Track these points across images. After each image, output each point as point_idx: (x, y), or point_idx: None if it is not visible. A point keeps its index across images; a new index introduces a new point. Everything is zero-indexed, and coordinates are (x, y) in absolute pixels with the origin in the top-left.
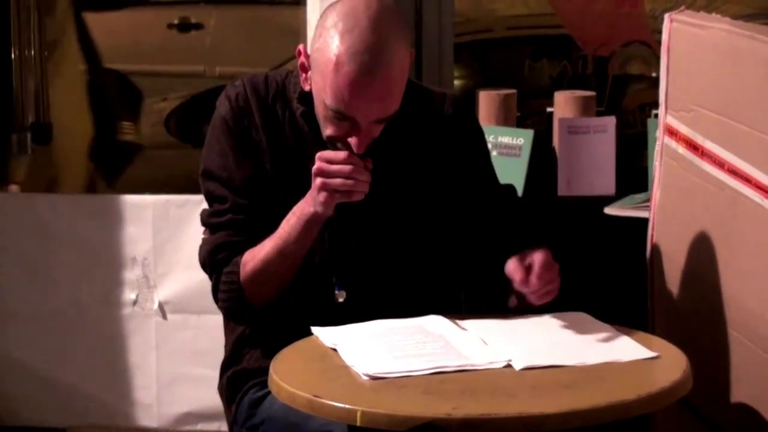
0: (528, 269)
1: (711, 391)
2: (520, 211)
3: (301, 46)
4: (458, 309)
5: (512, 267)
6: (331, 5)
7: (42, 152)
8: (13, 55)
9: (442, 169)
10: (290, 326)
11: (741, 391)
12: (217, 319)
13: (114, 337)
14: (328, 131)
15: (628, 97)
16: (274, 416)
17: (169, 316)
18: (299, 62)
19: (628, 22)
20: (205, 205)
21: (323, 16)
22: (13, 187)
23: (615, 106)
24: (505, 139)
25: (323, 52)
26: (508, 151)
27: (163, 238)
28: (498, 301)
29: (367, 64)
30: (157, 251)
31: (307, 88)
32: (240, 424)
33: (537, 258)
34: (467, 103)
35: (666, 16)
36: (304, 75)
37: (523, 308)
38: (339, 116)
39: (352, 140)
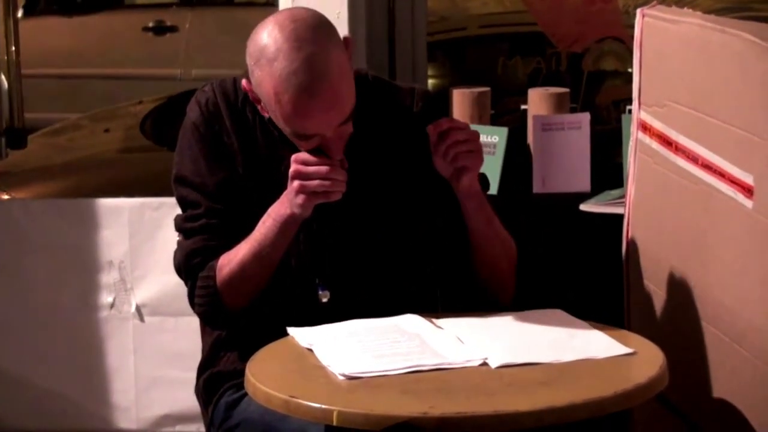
0: None
1: (688, 387)
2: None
3: (244, 82)
4: (435, 304)
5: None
6: (250, 38)
7: None
8: None
9: (415, 165)
10: (270, 329)
11: (718, 386)
12: (194, 321)
13: (91, 340)
14: (302, 149)
15: (602, 93)
16: (250, 418)
17: (146, 318)
18: (251, 96)
19: (601, 19)
20: (179, 210)
21: (247, 51)
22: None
23: (589, 102)
24: (480, 137)
25: (261, 87)
26: (483, 149)
27: (139, 241)
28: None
29: (304, 84)
30: (133, 254)
31: (266, 116)
32: (217, 427)
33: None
34: (436, 98)
35: (638, 12)
36: (259, 106)
37: (493, 290)
38: (302, 137)
39: (329, 152)
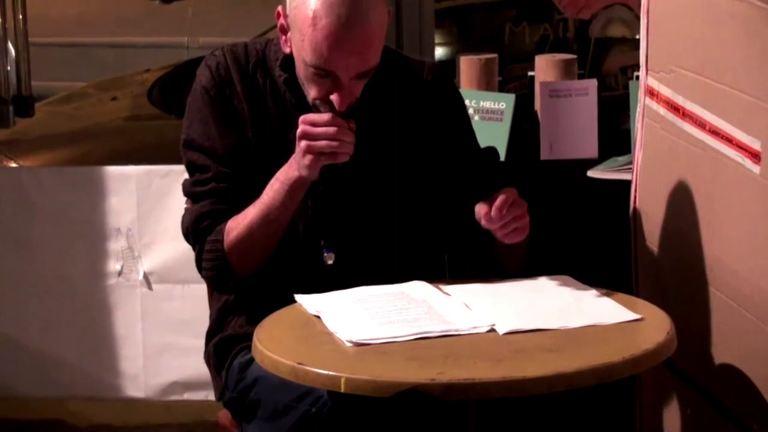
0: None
1: (695, 352)
2: (502, 174)
3: (279, 8)
4: (443, 270)
5: (478, 207)
6: None
7: None
8: None
9: (424, 134)
10: (276, 292)
11: (725, 352)
12: (202, 289)
13: (99, 308)
14: (312, 93)
15: (609, 59)
16: (265, 375)
17: (154, 286)
18: (278, 24)
19: None
20: (187, 175)
21: None
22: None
23: (597, 69)
24: (487, 104)
25: (300, 9)
26: (490, 116)
27: (147, 209)
28: (480, 265)
29: (343, 16)
30: (141, 222)
31: (287, 50)
32: (231, 389)
33: (500, 195)
34: (446, 70)
35: None
36: (284, 37)
37: (503, 261)
38: (320, 73)
39: (334, 97)
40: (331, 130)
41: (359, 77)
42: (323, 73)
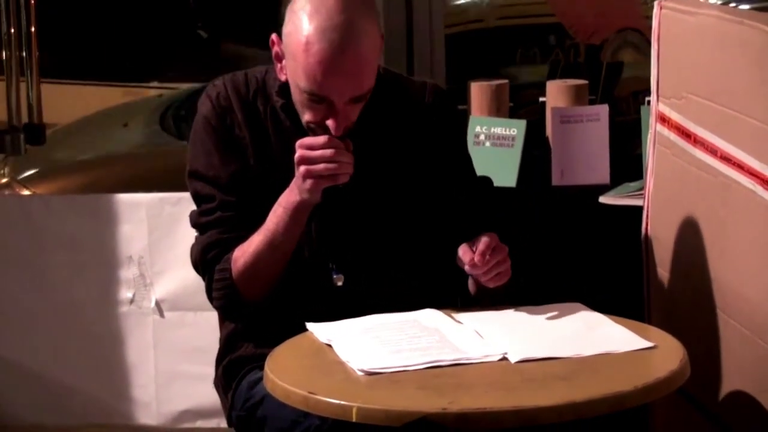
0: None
1: (708, 380)
2: (494, 203)
3: (274, 36)
4: (454, 291)
5: (461, 252)
6: None
7: None
8: (4, 56)
9: (423, 156)
10: (286, 318)
11: (738, 379)
12: (214, 316)
13: (111, 336)
14: (306, 116)
15: (621, 84)
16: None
17: (166, 313)
18: (273, 52)
19: (619, 9)
20: (194, 206)
21: (291, 1)
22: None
23: (608, 94)
24: (498, 130)
25: (293, 35)
26: (502, 142)
27: (158, 236)
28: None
29: (336, 41)
30: (152, 249)
31: (283, 77)
32: (238, 408)
33: (482, 240)
34: (447, 92)
35: (655, 3)
36: (278, 65)
37: (484, 294)
38: (314, 98)
39: (330, 122)
40: (329, 152)
41: (354, 101)
42: (318, 99)
